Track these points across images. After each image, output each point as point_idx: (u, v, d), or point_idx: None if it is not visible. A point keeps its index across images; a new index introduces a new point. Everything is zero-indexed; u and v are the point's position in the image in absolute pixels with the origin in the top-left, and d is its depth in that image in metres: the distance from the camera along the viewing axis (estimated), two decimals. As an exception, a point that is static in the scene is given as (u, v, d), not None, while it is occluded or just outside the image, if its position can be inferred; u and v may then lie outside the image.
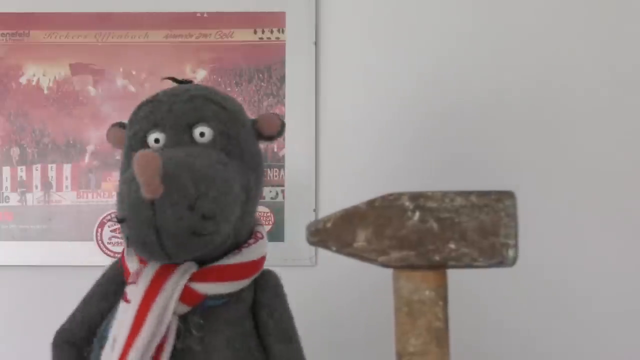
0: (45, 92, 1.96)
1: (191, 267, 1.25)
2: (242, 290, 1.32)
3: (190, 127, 1.27)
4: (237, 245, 1.31)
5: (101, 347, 1.26)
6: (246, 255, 1.32)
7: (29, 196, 1.94)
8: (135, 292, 1.23)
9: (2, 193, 1.94)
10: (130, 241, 1.16)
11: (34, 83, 1.97)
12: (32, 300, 1.94)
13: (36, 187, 1.94)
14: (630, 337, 1.93)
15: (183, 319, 1.25)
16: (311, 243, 1.04)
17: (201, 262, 1.26)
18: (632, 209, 1.94)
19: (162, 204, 1.11)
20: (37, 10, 1.97)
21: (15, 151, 1.95)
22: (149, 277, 1.23)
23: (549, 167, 1.95)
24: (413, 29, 1.98)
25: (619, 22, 1.96)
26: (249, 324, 1.35)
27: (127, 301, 1.24)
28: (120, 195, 1.16)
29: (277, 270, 1.91)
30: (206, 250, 1.20)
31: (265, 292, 1.39)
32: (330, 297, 1.95)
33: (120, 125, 1.36)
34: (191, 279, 1.24)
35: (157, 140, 1.26)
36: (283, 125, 1.38)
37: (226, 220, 1.20)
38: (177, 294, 1.23)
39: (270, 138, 1.38)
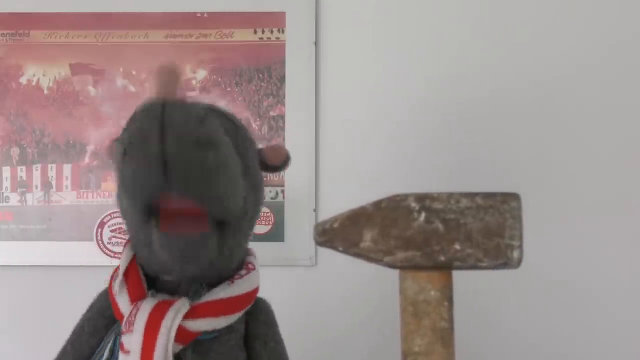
0: (45, 92, 1.96)
1: (184, 305, 1.23)
2: (234, 322, 1.29)
3: None
4: (229, 276, 1.29)
5: None
6: (239, 287, 1.29)
7: (29, 196, 1.94)
8: (132, 341, 1.19)
9: (2, 193, 1.94)
10: (129, 146, 1.06)
11: (34, 83, 1.97)
12: (32, 300, 1.94)
13: (36, 187, 1.94)
14: (635, 338, 1.94)
15: (176, 356, 1.22)
16: (318, 243, 1.04)
17: (194, 291, 1.25)
18: (637, 211, 1.94)
19: (172, 107, 1.03)
20: (37, 10, 1.97)
21: (15, 151, 1.95)
22: (143, 322, 1.20)
23: (553, 169, 1.95)
24: (413, 29, 1.98)
25: (624, 23, 1.97)
26: (242, 355, 1.33)
27: (126, 352, 1.20)
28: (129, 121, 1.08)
29: (277, 270, 1.93)
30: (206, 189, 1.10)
31: (258, 322, 1.36)
32: (330, 297, 1.95)
33: (117, 140, 1.30)
34: (184, 317, 1.21)
35: None
36: (288, 158, 1.36)
37: (229, 177, 1.14)
38: (173, 335, 1.20)
39: (274, 169, 1.37)
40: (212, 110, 1.19)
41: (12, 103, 1.97)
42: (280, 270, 1.95)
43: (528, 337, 1.93)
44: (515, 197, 1.01)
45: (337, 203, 1.79)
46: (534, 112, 1.96)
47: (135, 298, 1.24)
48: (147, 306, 1.22)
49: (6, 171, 1.95)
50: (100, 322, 1.31)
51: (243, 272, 1.32)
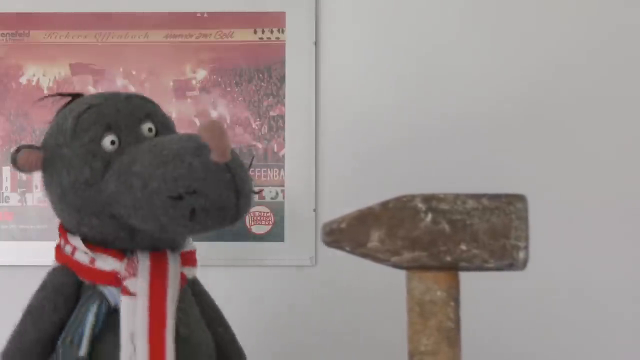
0: (45, 92, 1.96)
1: (174, 255, 1.33)
2: None
3: (140, 124, 1.31)
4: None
5: (75, 345, 1.29)
6: (191, 244, 1.41)
7: (28, 196, 1.94)
8: (137, 284, 1.28)
9: (2, 193, 1.94)
10: (204, 210, 1.18)
11: (34, 83, 1.97)
12: (32, 301, 1.93)
13: (36, 187, 1.93)
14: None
15: None
16: (326, 243, 1.06)
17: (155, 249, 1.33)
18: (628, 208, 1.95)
19: (234, 166, 1.18)
20: (37, 10, 1.97)
21: (15, 151, 1.95)
22: (146, 267, 1.29)
23: (556, 170, 1.95)
24: (413, 29, 1.98)
25: (623, 22, 1.97)
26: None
27: (130, 294, 1.28)
28: (182, 166, 1.18)
29: (277, 270, 1.94)
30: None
31: None
32: (330, 297, 1.95)
33: (31, 147, 1.36)
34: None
35: (112, 142, 1.28)
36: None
37: None
38: (179, 278, 1.32)
39: None
40: (148, 116, 1.34)
41: (12, 103, 1.97)
42: (280, 270, 1.96)
43: (533, 339, 1.94)
44: (521, 198, 1.02)
45: (337, 203, 1.81)
46: (535, 111, 1.96)
47: (119, 255, 1.31)
48: (143, 255, 1.31)
49: (6, 171, 1.95)
50: (60, 299, 1.34)
51: None
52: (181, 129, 1.90)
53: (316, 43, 1.97)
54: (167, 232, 1.25)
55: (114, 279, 1.30)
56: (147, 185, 1.19)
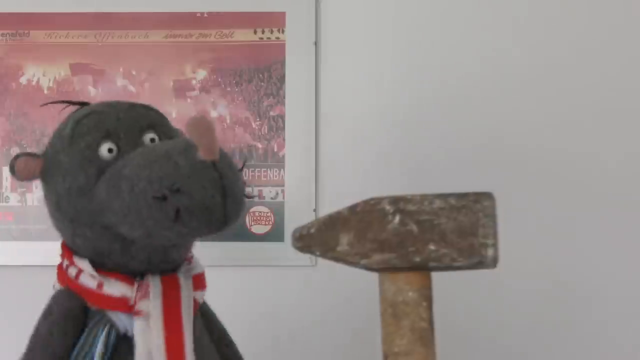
0: (45, 92, 1.97)
1: (188, 277, 1.28)
2: None
3: (141, 133, 1.26)
4: (181, 263, 1.34)
5: None
6: (199, 266, 1.36)
7: (28, 196, 1.95)
8: (150, 305, 1.23)
9: (2, 193, 1.95)
10: (188, 211, 1.11)
11: (34, 83, 1.98)
12: (33, 301, 1.93)
13: (36, 187, 1.94)
14: (628, 338, 1.93)
15: None
16: (297, 248, 1.07)
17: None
18: (627, 209, 1.94)
19: (222, 165, 1.12)
20: (37, 10, 1.98)
21: (15, 151, 1.95)
22: (158, 290, 1.25)
23: (541, 168, 1.95)
24: (413, 29, 1.98)
25: (616, 23, 1.96)
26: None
27: (144, 314, 1.23)
28: (168, 165, 1.12)
29: (277, 270, 1.94)
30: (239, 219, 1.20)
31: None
32: (330, 297, 1.95)
33: (29, 154, 1.30)
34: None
35: (110, 150, 1.22)
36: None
37: None
38: (192, 303, 1.27)
39: None
40: (151, 125, 1.28)
41: (12, 103, 1.98)
42: (280, 270, 1.96)
43: (515, 338, 1.94)
44: (488, 196, 1.02)
45: (337, 203, 1.79)
46: (536, 112, 1.95)
47: (128, 279, 1.26)
48: (155, 279, 1.26)
49: (6, 171, 1.96)
50: (69, 325, 1.28)
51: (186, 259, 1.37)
52: (181, 129, 1.93)
53: (316, 43, 1.97)
54: (154, 238, 1.18)
55: (124, 305, 1.25)
56: (134, 188, 1.14)
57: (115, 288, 1.25)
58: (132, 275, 1.27)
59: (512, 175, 1.92)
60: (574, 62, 1.96)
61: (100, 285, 1.26)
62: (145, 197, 1.13)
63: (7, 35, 1.98)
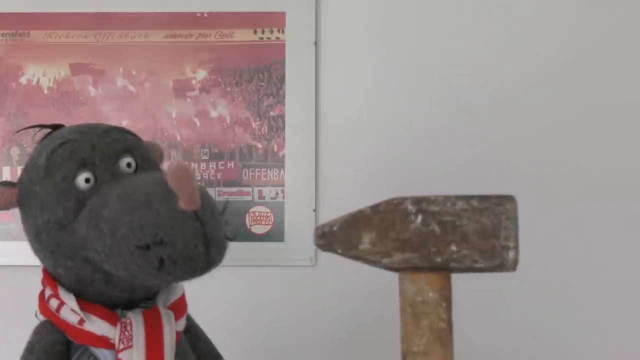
0: (45, 92, 1.97)
1: (166, 310, 1.27)
2: None
3: (117, 159, 1.23)
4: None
5: None
6: (177, 289, 1.34)
7: (29, 196, 1.94)
8: (134, 356, 1.22)
9: (2, 193, 1.94)
10: (172, 260, 1.10)
11: (34, 83, 1.97)
12: (33, 300, 1.93)
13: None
14: (633, 338, 1.94)
15: None
16: (318, 246, 1.06)
17: (130, 303, 1.28)
18: (628, 209, 1.95)
19: (204, 213, 1.10)
20: (37, 10, 1.98)
21: (15, 151, 1.95)
22: (141, 335, 1.23)
23: (552, 170, 1.95)
24: (413, 29, 1.98)
25: (621, 24, 1.97)
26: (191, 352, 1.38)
27: None
28: (149, 213, 1.10)
29: (277, 270, 1.94)
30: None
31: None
32: (330, 297, 1.95)
33: (5, 183, 1.29)
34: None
35: (87, 180, 1.20)
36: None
37: None
38: (174, 342, 1.26)
39: None
40: (127, 150, 1.26)
41: (12, 103, 1.97)
42: (280, 270, 1.96)
43: (528, 337, 1.94)
44: (510, 199, 1.02)
45: (337, 203, 1.81)
46: (536, 112, 1.96)
47: (111, 317, 1.25)
48: (138, 318, 1.25)
49: (6, 171, 1.96)
50: None
51: None
52: (181, 129, 1.94)
53: (316, 43, 1.97)
54: (139, 280, 1.17)
55: (106, 343, 1.25)
56: (116, 233, 1.12)
57: (96, 327, 1.25)
58: (114, 305, 1.26)
59: (512, 177, 1.93)
60: (579, 65, 1.97)
61: (81, 322, 1.25)
62: (128, 244, 1.11)
63: (7, 35, 1.97)
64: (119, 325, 1.24)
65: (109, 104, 1.96)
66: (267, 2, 1.97)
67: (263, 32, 1.97)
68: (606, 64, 1.96)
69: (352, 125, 1.97)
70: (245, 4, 1.97)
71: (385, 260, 1.03)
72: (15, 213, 1.91)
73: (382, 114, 1.97)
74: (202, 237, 1.09)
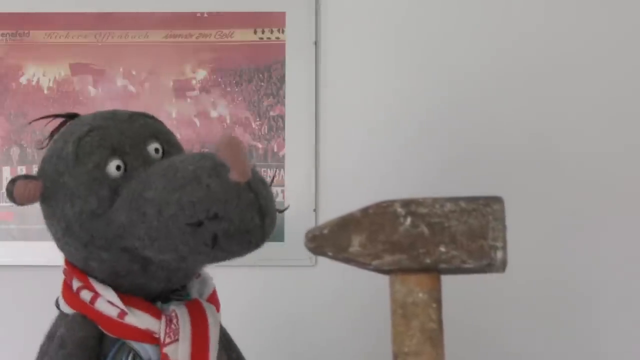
0: (45, 92, 1.97)
1: (208, 304, 1.27)
2: None
3: (146, 145, 1.22)
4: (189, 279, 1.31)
5: None
6: (209, 283, 1.34)
7: (29, 196, 1.94)
8: (179, 350, 1.20)
9: (2, 193, 1.95)
10: (227, 235, 1.08)
11: (34, 83, 1.97)
12: (33, 300, 1.94)
13: (35, 188, 1.94)
14: (628, 339, 1.94)
15: None
16: (309, 249, 1.07)
17: (166, 293, 1.26)
18: (628, 209, 1.94)
19: (256, 184, 1.09)
20: (37, 10, 1.98)
21: (15, 151, 1.95)
22: (188, 330, 1.21)
23: (543, 171, 1.95)
24: (413, 29, 1.98)
25: (614, 25, 1.96)
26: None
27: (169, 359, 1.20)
28: (199, 189, 1.08)
29: (277, 270, 1.94)
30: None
31: None
32: (330, 297, 1.95)
33: (27, 177, 1.23)
34: None
35: (118, 167, 1.18)
36: None
37: None
38: (218, 336, 1.26)
39: None
40: (153, 135, 1.24)
41: (12, 103, 1.98)
42: (280, 270, 1.96)
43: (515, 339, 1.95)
44: (498, 200, 1.03)
45: (337, 203, 1.80)
46: (535, 112, 1.96)
47: (153, 310, 1.23)
48: (183, 311, 1.23)
49: (6, 171, 1.96)
50: (85, 356, 1.22)
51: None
52: (181, 128, 1.94)
53: (316, 43, 1.97)
54: (187, 262, 1.16)
55: (149, 337, 1.22)
56: (163, 213, 1.09)
57: (140, 320, 1.22)
58: (150, 295, 1.24)
59: (512, 177, 1.93)
60: (582, 63, 1.97)
61: (121, 315, 1.22)
62: (177, 223, 1.09)
63: (7, 35, 1.98)
64: (163, 318, 1.21)
65: (109, 104, 1.96)
66: (267, 2, 1.98)
67: (263, 32, 1.97)
68: (606, 63, 1.96)
69: (352, 124, 1.97)
70: (245, 4, 1.98)
71: (375, 262, 1.04)
72: (15, 213, 1.94)
73: (382, 113, 1.96)
74: (257, 208, 1.09)
